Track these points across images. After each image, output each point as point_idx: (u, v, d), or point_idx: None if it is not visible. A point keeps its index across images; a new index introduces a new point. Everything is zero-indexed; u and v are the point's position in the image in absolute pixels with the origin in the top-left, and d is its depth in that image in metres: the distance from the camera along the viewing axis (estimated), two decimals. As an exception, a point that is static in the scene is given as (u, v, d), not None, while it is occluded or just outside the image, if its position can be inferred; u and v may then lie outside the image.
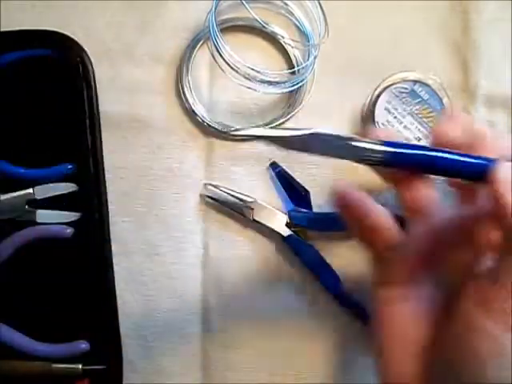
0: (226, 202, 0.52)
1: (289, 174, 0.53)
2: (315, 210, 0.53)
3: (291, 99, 0.53)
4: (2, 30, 0.52)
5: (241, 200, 0.52)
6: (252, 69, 0.50)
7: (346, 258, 0.53)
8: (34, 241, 0.50)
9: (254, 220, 0.52)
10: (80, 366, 0.50)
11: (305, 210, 0.52)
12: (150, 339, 0.52)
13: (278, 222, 0.52)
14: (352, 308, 0.52)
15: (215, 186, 0.52)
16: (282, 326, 0.53)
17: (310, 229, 0.52)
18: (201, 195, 0.53)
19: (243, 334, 0.53)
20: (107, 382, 0.51)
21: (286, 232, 0.52)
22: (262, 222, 0.52)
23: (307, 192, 0.53)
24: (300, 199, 0.52)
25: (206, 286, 0.53)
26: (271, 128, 0.51)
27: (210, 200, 0.52)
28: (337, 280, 0.52)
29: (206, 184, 0.53)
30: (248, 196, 0.52)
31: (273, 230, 0.52)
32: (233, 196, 0.52)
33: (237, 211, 0.52)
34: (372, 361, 0.52)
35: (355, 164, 0.53)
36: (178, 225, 0.53)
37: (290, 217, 0.52)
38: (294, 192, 0.52)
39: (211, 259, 0.53)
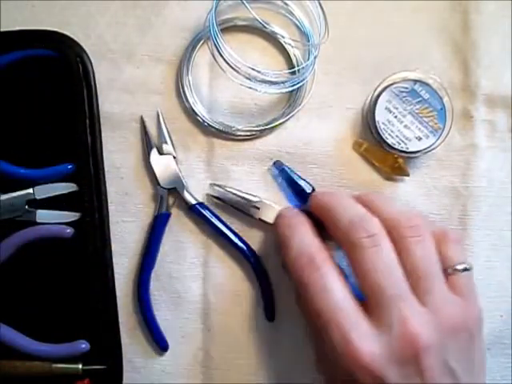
0: (231, 202, 0.52)
1: (293, 172, 0.53)
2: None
3: (291, 99, 0.53)
4: (2, 29, 0.52)
5: (246, 199, 0.52)
6: (252, 69, 0.50)
7: None
8: (34, 241, 0.50)
9: (260, 219, 0.52)
10: (80, 366, 0.50)
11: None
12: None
13: None
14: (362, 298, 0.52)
15: (220, 186, 0.52)
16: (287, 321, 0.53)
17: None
18: (207, 195, 0.53)
19: (244, 333, 0.53)
20: (107, 381, 0.51)
21: None
22: (268, 221, 0.52)
23: (313, 189, 0.52)
24: (305, 196, 0.52)
25: (206, 286, 0.53)
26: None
27: (215, 200, 0.52)
28: (344, 276, 0.51)
29: (211, 184, 0.53)
30: (254, 195, 0.52)
31: None
32: (238, 196, 0.52)
33: (243, 211, 0.52)
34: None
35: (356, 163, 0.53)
36: (178, 225, 0.53)
37: None
38: (299, 189, 0.52)
39: (212, 259, 0.53)
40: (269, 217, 0.52)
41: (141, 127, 0.53)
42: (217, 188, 0.52)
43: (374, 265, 0.41)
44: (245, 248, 0.52)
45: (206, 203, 0.53)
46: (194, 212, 0.52)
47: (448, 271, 0.43)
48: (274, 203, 0.52)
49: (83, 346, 0.50)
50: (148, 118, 0.53)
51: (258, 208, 0.52)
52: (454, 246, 0.45)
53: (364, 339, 0.39)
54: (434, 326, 0.39)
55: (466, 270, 0.44)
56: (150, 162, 0.52)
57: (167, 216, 0.52)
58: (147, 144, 0.52)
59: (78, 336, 0.50)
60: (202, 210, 0.52)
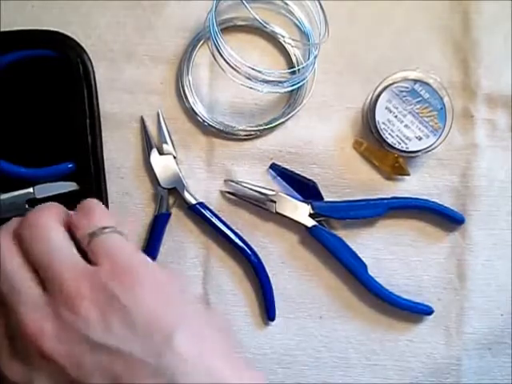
0: (247, 197, 0.52)
1: (291, 171, 0.53)
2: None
3: (292, 99, 0.53)
4: (2, 30, 0.51)
5: (263, 193, 0.52)
6: (253, 68, 0.50)
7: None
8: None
9: (278, 213, 0.52)
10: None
11: (327, 200, 0.53)
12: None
13: (301, 213, 0.52)
14: (378, 292, 0.52)
15: (235, 182, 0.53)
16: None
17: (333, 218, 0.53)
18: (221, 192, 0.53)
19: (244, 333, 0.53)
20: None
21: (310, 223, 0.52)
22: (286, 215, 0.52)
23: (314, 182, 0.53)
24: (308, 191, 0.52)
25: (206, 286, 0.53)
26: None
27: (230, 196, 0.53)
28: (364, 267, 0.52)
29: (225, 180, 0.53)
30: (270, 189, 0.52)
31: (296, 222, 0.52)
32: (254, 190, 0.52)
33: (259, 205, 0.52)
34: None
35: (356, 163, 0.53)
36: (178, 225, 0.53)
37: (313, 207, 0.52)
38: (301, 186, 0.53)
39: (212, 259, 0.53)
40: (286, 210, 0.52)
41: (141, 127, 0.53)
42: (231, 184, 0.53)
43: None
44: (245, 248, 0.52)
45: (213, 201, 0.53)
46: (194, 212, 0.52)
47: (83, 246, 0.39)
48: (290, 197, 0.52)
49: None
50: (148, 118, 0.53)
51: (275, 202, 0.52)
52: (76, 217, 0.41)
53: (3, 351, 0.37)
54: (53, 311, 0.36)
55: (94, 234, 0.39)
56: (150, 162, 0.52)
57: (167, 216, 0.52)
58: (147, 144, 0.52)
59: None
60: (202, 210, 0.52)
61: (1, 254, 0.38)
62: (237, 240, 0.52)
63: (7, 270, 0.38)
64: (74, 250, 0.39)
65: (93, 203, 0.42)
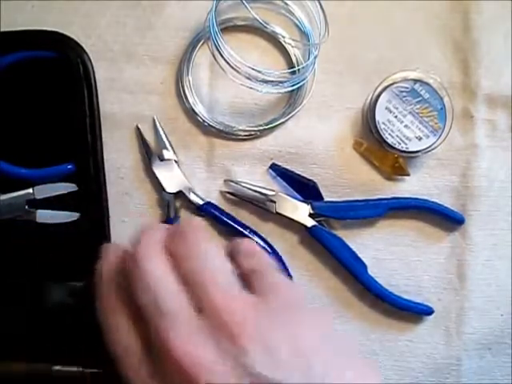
0: (246, 197, 0.52)
1: (291, 171, 0.53)
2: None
3: (292, 99, 0.53)
4: (2, 30, 0.51)
5: (262, 193, 0.52)
6: (253, 69, 0.50)
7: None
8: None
9: (277, 213, 0.52)
10: (81, 369, 0.50)
11: (327, 200, 0.53)
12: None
13: (301, 213, 0.52)
14: (378, 292, 0.52)
15: (235, 182, 0.52)
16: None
17: (333, 218, 0.53)
18: (220, 192, 0.53)
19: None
20: None
21: (310, 223, 0.52)
22: (286, 215, 0.52)
23: (314, 182, 0.53)
24: (308, 191, 0.53)
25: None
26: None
27: (230, 196, 0.53)
28: (364, 267, 0.52)
29: (225, 180, 0.53)
30: (269, 189, 0.52)
31: (296, 222, 0.52)
32: (254, 190, 0.52)
33: (259, 205, 0.52)
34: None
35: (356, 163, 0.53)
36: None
37: (313, 207, 0.52)
38: (301, 186, 0.53)
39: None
40: (286, 210, 0.52)
41: (138, 137, 0.52)
42: (231, 184, 0.53)
43: (138, 284, 0.34)
44: (261, 243, 0.52)
45: (214, 201, 0.53)
46: (203, 212, 0.52)
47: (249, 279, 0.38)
48: (290, 197, 0.52)
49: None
50: (148, 119, 0.53)
51: (275, 202, 0.52)
52: (242, 258, 0.39)
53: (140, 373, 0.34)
54: (210, 338, 0.32)
55: (258, 270, 0.39)
56: (152, 171, 0.52)
57: (177, 220, 0.52)
58: (147, 152, 0.52)
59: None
60: (212, 210, 0.52)
61: (146, 262, 0.35)
62: (251, 235, 0.51)
63: (152, 279, 0.34)
64: (233, 275, 0.36)
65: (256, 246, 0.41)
